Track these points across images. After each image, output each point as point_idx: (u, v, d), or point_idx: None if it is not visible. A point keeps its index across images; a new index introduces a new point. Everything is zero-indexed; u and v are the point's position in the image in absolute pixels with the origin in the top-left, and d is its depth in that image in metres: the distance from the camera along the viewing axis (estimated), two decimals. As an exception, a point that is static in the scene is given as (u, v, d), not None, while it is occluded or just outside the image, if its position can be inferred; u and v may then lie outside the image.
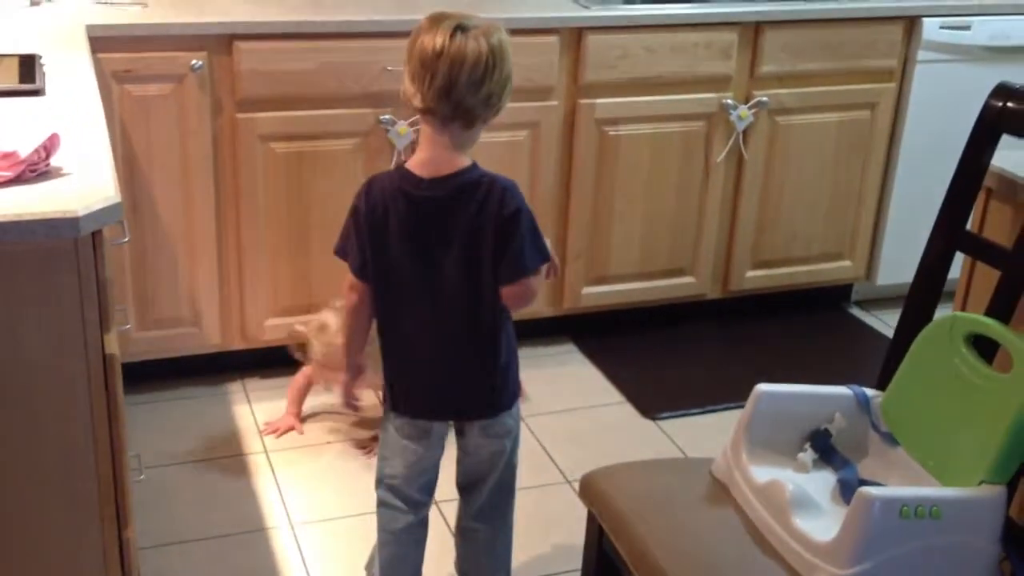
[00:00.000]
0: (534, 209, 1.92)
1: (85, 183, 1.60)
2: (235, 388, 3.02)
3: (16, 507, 1.66)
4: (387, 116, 2.83)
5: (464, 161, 1.87)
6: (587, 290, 3.24)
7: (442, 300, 1.91)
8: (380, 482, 2.07)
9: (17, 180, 1.56)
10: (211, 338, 2.94)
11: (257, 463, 2.72)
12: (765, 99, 3.19)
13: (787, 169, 3.32)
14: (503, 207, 1.85)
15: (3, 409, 1.59)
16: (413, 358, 1.97)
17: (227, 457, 2.74)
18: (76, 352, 1.59)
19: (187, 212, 2.79)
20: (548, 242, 1.93)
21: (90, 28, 2.52)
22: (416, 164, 1.87)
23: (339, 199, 2.85)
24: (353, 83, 2.79)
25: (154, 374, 2.94)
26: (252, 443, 2.80)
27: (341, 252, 1.96)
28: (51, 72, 2.12)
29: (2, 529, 1.67)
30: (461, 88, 1.79)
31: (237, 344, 2.99)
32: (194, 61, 2.65)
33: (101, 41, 2.52)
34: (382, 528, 2.09)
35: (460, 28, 1.80)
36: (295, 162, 2.83)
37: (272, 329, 2.97)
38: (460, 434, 2.04)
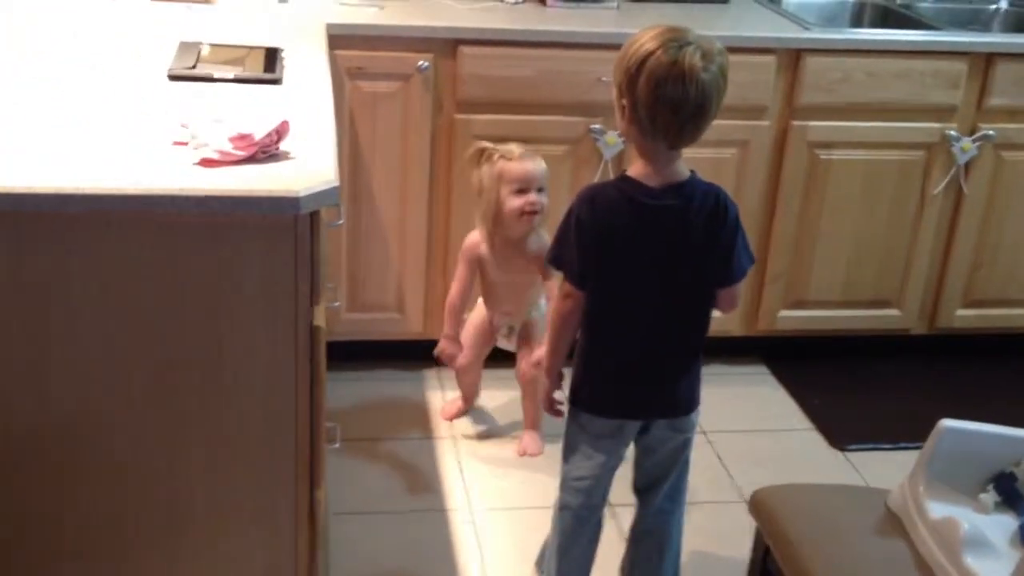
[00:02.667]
0: (735, 227, 2.02)
1: (309, 167, 1.74)
2: (431, 375, 3.16)
3: (219, 459, 1.82)
4: (597, 125, 2.90)
5: (685, 170, 1.93)
6: (784, 313, 3.21)
7: (668, 304, 1.97)
8: (568, 486, 2.11)
9: (250, 160, 1.72)
10: (413, 325, 3.09)
11: (445, 447, 2.84)
12: (991, 132, 3.07)
13: (1010, 206, 3.18)
14: (728, 213, 1.93)
15: (216, 367, 1.75)
16: (628, 360, 2.01)
17: (417, 439, 2.88)
18: (287, 319, 1.73)
19: (402, 204, 2.95)
20: None
21: (330, 26, 2.71)
22: (642, 175, 1.91)
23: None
24: (567, 91, 2.87)
25: (359, 354, 3.11)
26: (442, 428, 2.93)
27: (556, 261, 1.99)
28: (291, 64, 2.30)
29: (206, 477, 1.83)
30: (707, 117, 1.84)
31: (437, 334, 3.11)
32: (421, 62, 2.80)
33: (339, 39, 2.70)
34: (563, 531, 2.13)
35: (700, 52, 1.79)
36: (506, 164, 2.94)
37: (470, 323, 3.09)
38: (645, 432, 2.07)
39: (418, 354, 3.17)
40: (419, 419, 2.96)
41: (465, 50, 2.82)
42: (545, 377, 2.11)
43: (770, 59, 2.92)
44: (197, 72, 2.15)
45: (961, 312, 3.28)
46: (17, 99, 1.97)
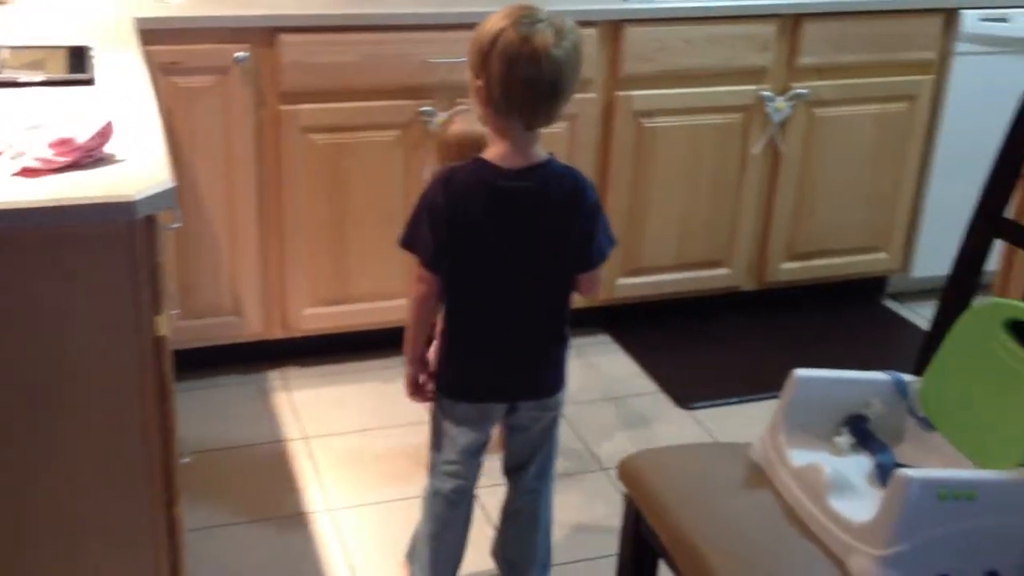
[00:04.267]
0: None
1: (140, 169, 1.64)
2: (275, 376, 3.07)
3: (69, 484, 1.71)
4: (427, 108, 2.86)
5: (543, 152, 1.91)
6: (622, 281, 3.26)
7: (526, 287, 1.95)
8: (438, 471, 2.09)
9: (74, 166, 1.61)
10: (252, 327, 2.99)
11: (297, 449, 2.77)
12: (803, 91, 3.20)
13: (824, 161, 3.32)
14: (587, 198, 1.92)
15: (58, 388, 1.64)
16: (488, 345, 2.00)
17: (267, 443, 2.79)
18: (129, 332, 1.64)
19: (230, 202, 2.84)
20: None
21: (139, 21, 2.57)
22: (497, 157, 1.89)
23: (379, 190, 2.91)
24: (394, 75, 2.83)
25: (196, 362, 2.99)
26: (291, 430, 2.84)
27: (409, 244, 1.95)
28: (102, 63, 2.17)
29: (55, 506, 1.72)
30: (562, 95, 1.83)
31: (277, 333, 3.03)
32: (238, 53, 2.69)
33: (150, 33, 2.56)
34: (435, 517, 2.11)
35: (552, 30, 1.79)
36: (336, 154, 2.87)
37: (311, 319, 3.02)
38: (512, 412, 2.06)
39: (259, 356, 3.07)
40: (267, 423, 2.87)
41: (284, 38, 2.73)
42: (407, 363, 2.08)
43: (592, 32, 2.95)
44: (1, 78, 2.00)
45: (786, 265, 3.42)
46: None
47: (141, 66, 2.19)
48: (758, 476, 1.80)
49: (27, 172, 1.58)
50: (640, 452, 1.92)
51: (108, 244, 1.58)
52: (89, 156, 1.63)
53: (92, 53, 2.20)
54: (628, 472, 1.88)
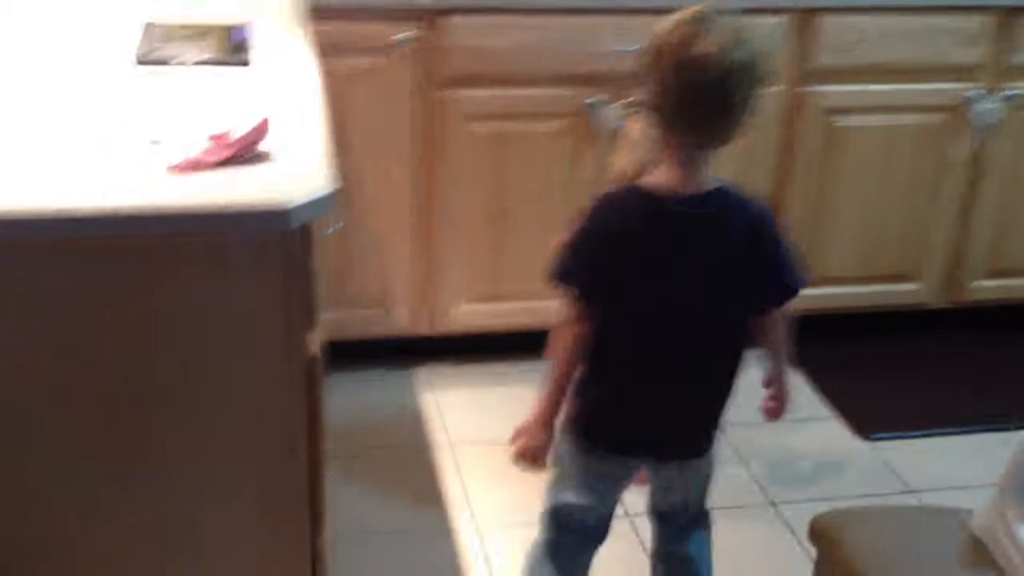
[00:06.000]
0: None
1: (296, 170, 1.48)
2: (422, 374, 2.92)
3: (214, 504, 1.58)
4: (594, 100, 2.65)
5: (715, 179, 1.68)
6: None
7: (691, 327, 1.71)
8: (554, 511, 1.88)
9: (230, 161, 1.46)
10: (399, 321, 2.85)
11: (442, 458, 2.61)
12: (1016, 92, 2.86)
13: (1034, 170, 2.98)
14: (766, 230, 1.69)
15: (201, 411, 1.51)
16: (637, 389, 1.76)
17: (411, 447, 2.64)
18: (277, 351, 1.48)
19: (385, 190, 2.69)
20: None
21: (301, -2, 2.44)
22: (664, 180, 1.65)
23: (539, 184, 2.73)
24: (562, 62, 2.62)
25: (344, 353, 2.86)
26: (437, 435, 2.69)
27: (563, 277, 1.72)
28: (261, 43, 2.03)
29: (202, 528, 1.60)
30: (736, 108, 1.59)
31: (425, 330, 2.89)
32: (401, 35, 2.53)
33: (317, 10, 2.42)
34: (550, 558, 1.92)
35: (729, 34, 1.56)
36: (496, 143, 2.69)
37: (462, 316, 2.85)
38: (656, 470, 1.87)
39: (408, 350, 2.93)
40: (411, 424, 2.72)
41: (450, 19, 2.55)
42: (535, 426, 1.79)
43: (777, 20, 2.68)
44: (161, 55, 1.88)
45: (985, 283, 3.09)
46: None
47: (303, 48, 2.04)
48: (980, 553, 1.55)
49: (185, 166, 1.43)
50: (836, 513, 1.69)
51: (257, 254, 1.42)
52: (243, 154, 1.48)
53: (252, 31, 2.06)
54: (823, 536, 1.66)
